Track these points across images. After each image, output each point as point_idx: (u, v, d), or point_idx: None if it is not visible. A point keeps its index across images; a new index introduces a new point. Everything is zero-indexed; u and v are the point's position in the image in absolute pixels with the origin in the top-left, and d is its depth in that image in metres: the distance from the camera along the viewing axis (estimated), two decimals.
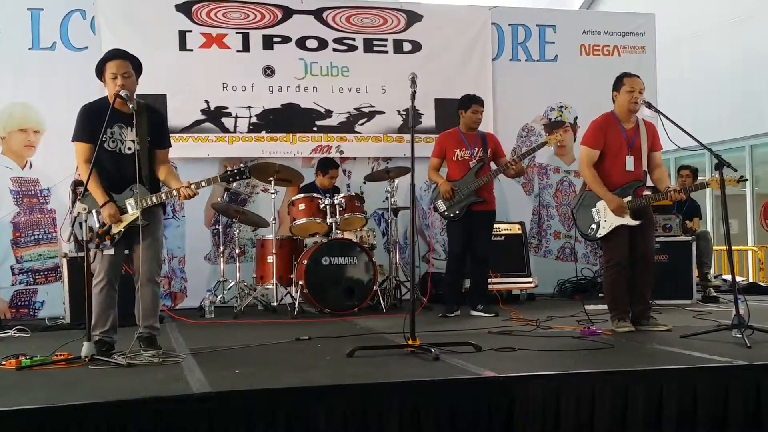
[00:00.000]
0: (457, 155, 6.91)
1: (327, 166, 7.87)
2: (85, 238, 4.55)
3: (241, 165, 4.84)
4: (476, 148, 6.91)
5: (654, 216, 6.29)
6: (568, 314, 6.49)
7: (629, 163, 5.62)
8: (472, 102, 6.96)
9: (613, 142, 5.63)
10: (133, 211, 4.73)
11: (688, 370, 4.07)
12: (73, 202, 6.16)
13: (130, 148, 4.79)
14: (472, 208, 6.80)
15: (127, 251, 4.88)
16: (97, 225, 4.70)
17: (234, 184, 7.99)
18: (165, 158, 5.01)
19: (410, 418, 3.63)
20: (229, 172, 4.83)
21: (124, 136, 4.78)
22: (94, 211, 4.69)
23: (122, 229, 4.73)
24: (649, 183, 5.96)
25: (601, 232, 5.60)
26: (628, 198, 5.57)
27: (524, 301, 8.02)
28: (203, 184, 4.83)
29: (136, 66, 4.86)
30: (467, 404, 3.71)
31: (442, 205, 6.87)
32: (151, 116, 4.88)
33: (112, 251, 4.75)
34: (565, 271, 8.82)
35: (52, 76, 7.66)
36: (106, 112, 4.69)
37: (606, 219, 5.57)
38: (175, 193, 4.79)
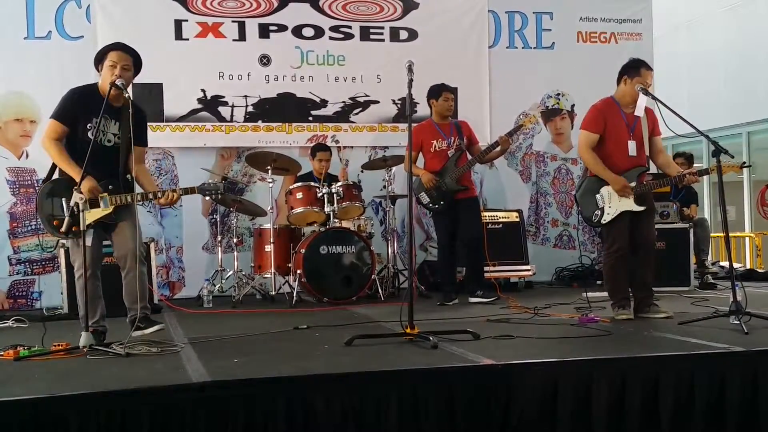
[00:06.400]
0: (435, 146, 6.90)
1: (314, 149, 7.85)
2: (82, 228, 4.52)
3: (221, 181, 4.98)
4: (452, 137, 6.91)
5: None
6: (566, 302, 6.50)
7: (631, 147, 5.58)
8: (442, 90, 6.96)
9: (614, 127, 5.59)
10: (105, 207, 4.74)
11: (686, 357, 4.08)
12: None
13: (110, 141, 4.81)
14: (456, 197, 6.81)
15: (107, 242, 4.92)
16: (71, 216, 4.67)
17: (230, 174, 8.08)
18: (141, 156, 5.04)
19: (409, 406, 3.63)
20: (206, 185, 5.01)
21: (107, 128, 4.79)
22: (64, 200, 4.68)
23: (92, 222, 4.68)
24: (652, 169, 5.96)
25: (606, 218, 5.56)
26: (633, 183, 5.54)
27: (522, 289, 8.02)
28: (180, 192, 4.93)
29: (136, 63, 4.87)
30: (466, 392, 3.72)
31: (425, 197, 6.87)
32: (136, 113, 4.83)
33: (89, 241, 4.73)
34: (563, 259, 8.82)
35: (48, 65, 7.63)
36: (94, 100, 4.71)
37: (611, 205, 5.55)
38: (151, 196, 4.86)
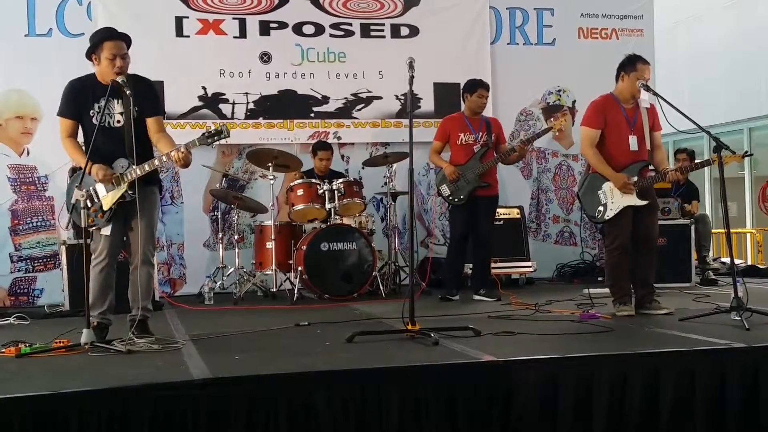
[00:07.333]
0: (461, 139, 6.88)
1: (315, 147, 7.87)
2: (83, 225, 4.52)
3: (220, 124, 4.78)
4: (480, 133, 6.88)
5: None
6: (567, 298, 6.51)
7: (632, 142, 5.58)
8: (478, 86, 6.93)
9: (614, 122, 5.59)
10: (120, 186, 4.67)
11: (687, 353, 4.08)
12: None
13: (119, 121, 4.74)
14: (476, 193, 6.78)
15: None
16: (90, 204, 4.65)
17: (231, 171, 8.08)
18: (159, 126, 4.85)
19: (410, 403, 3.64)
20: (206, 134, 4.61)
21: (112, 109, 4.74)
22: (91, 189, 4.66)
23: (113, 207, 4.68)
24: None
25: (609, 214, 5.55)
26: (635, 178, 5.53)
27: (523, 286, 8.02)
28: (183, 150, 4.56)
29: (128, 44, 4.84)
30: (467, 388, 3.72)
31: (446, 189, 6.85)
32: (137, 86, 4.75)
33: (108, 231, 4.72)
34: (564, 255, 8.82)
35: (49, 62, 7.61)
36: (92, 87, 4.70)
37: (613, 200, 5.54)
38: (157, 162, 4.66)
